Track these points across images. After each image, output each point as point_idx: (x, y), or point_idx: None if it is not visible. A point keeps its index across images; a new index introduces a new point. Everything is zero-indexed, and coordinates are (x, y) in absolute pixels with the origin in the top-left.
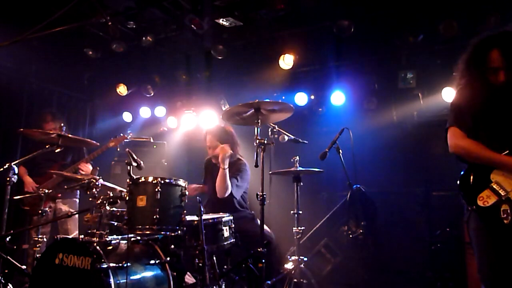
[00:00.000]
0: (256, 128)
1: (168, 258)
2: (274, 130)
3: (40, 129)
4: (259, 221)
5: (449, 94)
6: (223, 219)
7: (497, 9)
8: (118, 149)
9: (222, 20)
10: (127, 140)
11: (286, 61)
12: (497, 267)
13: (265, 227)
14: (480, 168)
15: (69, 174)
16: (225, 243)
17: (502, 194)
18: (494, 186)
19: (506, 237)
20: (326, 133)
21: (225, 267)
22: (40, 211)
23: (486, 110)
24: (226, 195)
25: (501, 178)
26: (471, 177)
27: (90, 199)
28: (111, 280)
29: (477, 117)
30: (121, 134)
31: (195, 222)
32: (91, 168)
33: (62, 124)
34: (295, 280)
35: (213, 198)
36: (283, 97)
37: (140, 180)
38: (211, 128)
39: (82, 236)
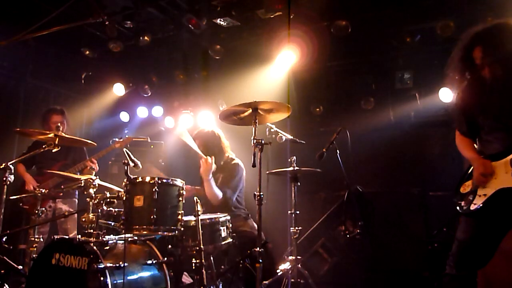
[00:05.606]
0: (253, 128)
1: (165, 258)
2: (272, 130)
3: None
4: (253, 221)
5: (446, 94)
6: (221, 219)
7: (493, 9)
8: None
9: (220, 20)
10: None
11: (283, 61)
12: (458, 243)
13: (255, 224)
14: None
15: (66, 174)
16: (223, 243)
17: (473, 186)
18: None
19: (464, 219)
20: (324, 133)
21: (222, 267)
22: (37, 211)
23: (478, 110)
24: (219, 199)
25: None
26: (470, 169)
27: (87, 199)
28: (108, 280)
29: (474, 118)
30: (126, 136)
31: (193, 222)
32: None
33: (60, 124)
34: (292, 280)
35: (208, 199)
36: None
37: (137, 180)
38: (199, 132)
39: (79, 236)
